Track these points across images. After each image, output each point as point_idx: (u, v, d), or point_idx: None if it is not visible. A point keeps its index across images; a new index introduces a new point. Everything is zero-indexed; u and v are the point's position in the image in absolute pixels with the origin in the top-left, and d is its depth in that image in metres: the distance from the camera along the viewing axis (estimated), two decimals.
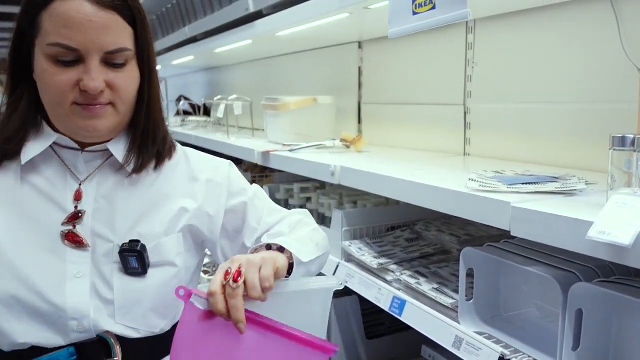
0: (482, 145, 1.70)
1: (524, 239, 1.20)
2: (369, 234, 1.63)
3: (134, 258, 0.94)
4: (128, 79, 0.93)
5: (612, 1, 1.25)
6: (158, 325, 1.00)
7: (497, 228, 1.58)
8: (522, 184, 1.09)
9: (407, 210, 1.70)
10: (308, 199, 1.96)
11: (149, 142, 1.00)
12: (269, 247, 0.98)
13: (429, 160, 1.66)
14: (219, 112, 2.79)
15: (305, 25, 1.90)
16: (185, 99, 4.18)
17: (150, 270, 0.97)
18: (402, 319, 1.28)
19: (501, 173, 1.26)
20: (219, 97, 2.93)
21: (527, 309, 1.15)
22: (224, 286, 0.81)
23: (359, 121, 2.31)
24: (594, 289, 0.90)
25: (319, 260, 1.04)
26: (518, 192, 1.04)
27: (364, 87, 2.27)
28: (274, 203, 1.18)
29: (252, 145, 2.12)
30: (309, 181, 2.06)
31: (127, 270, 0.95)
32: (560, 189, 1.04)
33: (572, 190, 1.03)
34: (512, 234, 0.97)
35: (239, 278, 0.80)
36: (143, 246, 0.95)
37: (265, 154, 1.98)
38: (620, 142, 0.86)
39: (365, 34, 2.15)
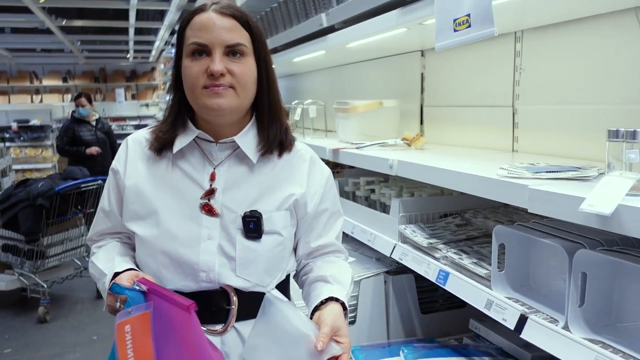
0: (529, 143, 1.88)
1: (553, 220, 1.40)
2: (423, 220, 1.86)
3: (252, 223, 1.22)
4: (245, 68, 1.19)
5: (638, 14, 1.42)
6: (266, 282, 1.26)
7: (539, 216, 1.77)
8: (546, 172, 1.29)
9: (459, 200, 1.91)
10: (372, 190, 2.21)
11: (269, 135, 1.26)
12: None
13: (480, 157, 1.86)
14: (296, 115, 3.09)
15: (372, 38, 2.16)
16: None
17: (263, 237, 1.23)
18: (446, 287, 1.51)
19: (535, 165, 1.46)
20: (296, 101, 3.23)
21: (555, 280, 1.34)
22: None
23: (422, 122, 2.54)
24: (596, 255, 1.10)
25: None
26: (539, 179, 1.24)
27: (427, 91, 2.50)
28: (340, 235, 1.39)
29: (325, 145, 2.41)
30: (374, 176, 2.31)
31: (247, 234, 1.22)
32: (575, 176, 1.23)
33: (586, 177, 1.22)
34: (529, 211, 1.17)
35: None
36: (260, 214, 1.23)
37: (336, 151, 2.26)
38: (615, 135, 1.05)
39: (427, 44, 2.37)
